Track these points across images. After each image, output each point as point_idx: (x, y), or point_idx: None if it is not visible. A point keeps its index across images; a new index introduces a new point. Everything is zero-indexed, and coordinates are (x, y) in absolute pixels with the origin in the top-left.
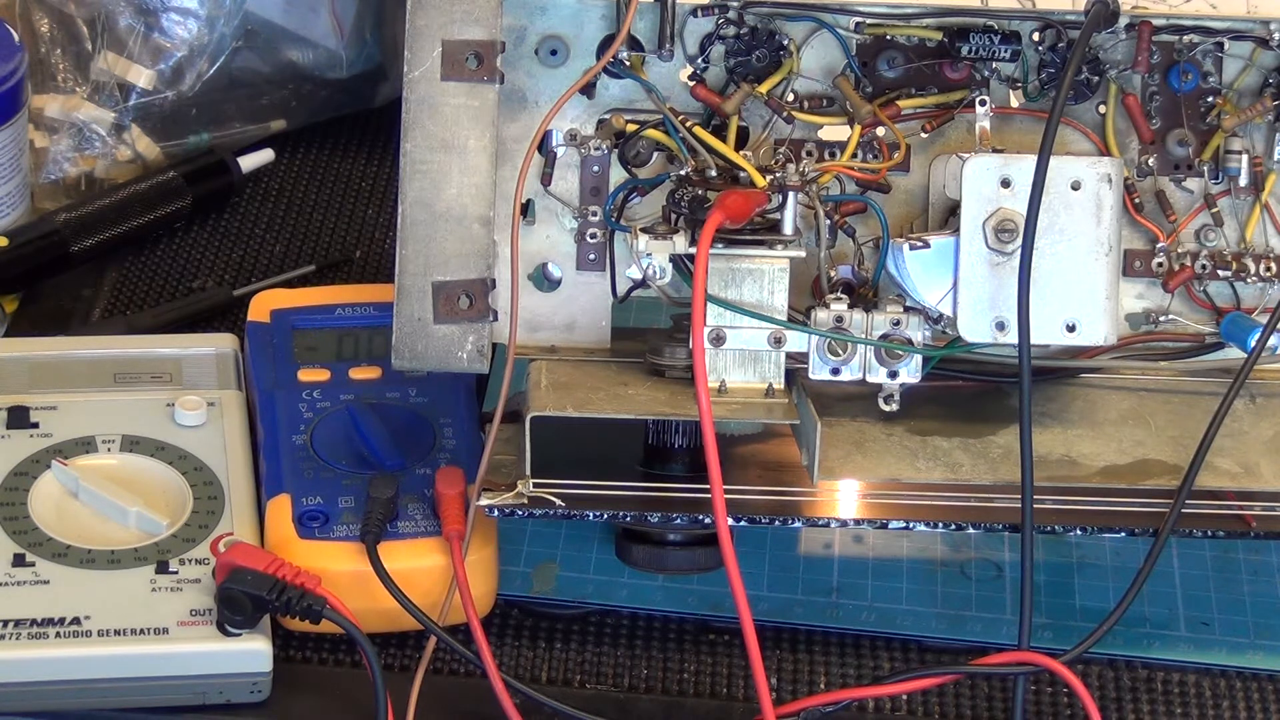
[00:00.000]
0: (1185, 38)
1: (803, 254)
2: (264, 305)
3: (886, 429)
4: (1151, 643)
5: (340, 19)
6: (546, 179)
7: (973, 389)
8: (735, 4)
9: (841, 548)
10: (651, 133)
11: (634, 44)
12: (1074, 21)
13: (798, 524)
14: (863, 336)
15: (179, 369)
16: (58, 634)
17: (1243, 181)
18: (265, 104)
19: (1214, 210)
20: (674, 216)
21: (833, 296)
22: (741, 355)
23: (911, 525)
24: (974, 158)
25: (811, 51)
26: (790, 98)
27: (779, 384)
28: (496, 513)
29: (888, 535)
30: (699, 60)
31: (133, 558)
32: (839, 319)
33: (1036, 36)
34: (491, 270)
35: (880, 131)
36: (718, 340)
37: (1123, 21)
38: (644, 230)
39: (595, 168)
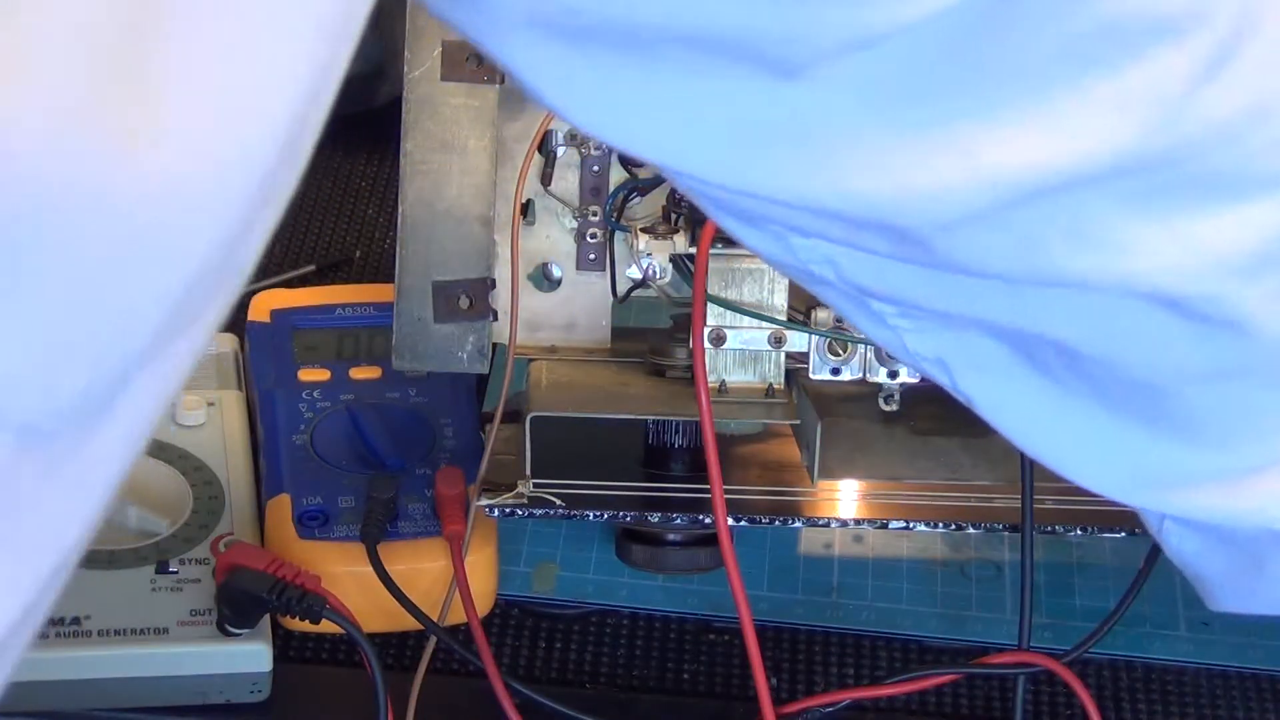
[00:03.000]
0: None
1: None
2: (264, 305)
3: (886, 429)
4: (1151, 643)
5: None
6: (546, 179)
7: None
8: None
9: (841, 548)
10: None
11: None
12: None
13: (798, 524)
14: (863, 336)
15: None
16: (58, 634)
17: None
18: None
19: None
20: (674, 216)
21: None
22: (741, 355)
23: (911, 525)
24: None
25: None
26: None
27: (779, 384)
28: (496, 513)
29: (888, 535)
30: None
31: (133, 558)
32: (839, 319)
33: None
34: (491, 270)
35: None
36: (718, 340)
37: None
38: (644, 230)
39: (595, 168)
